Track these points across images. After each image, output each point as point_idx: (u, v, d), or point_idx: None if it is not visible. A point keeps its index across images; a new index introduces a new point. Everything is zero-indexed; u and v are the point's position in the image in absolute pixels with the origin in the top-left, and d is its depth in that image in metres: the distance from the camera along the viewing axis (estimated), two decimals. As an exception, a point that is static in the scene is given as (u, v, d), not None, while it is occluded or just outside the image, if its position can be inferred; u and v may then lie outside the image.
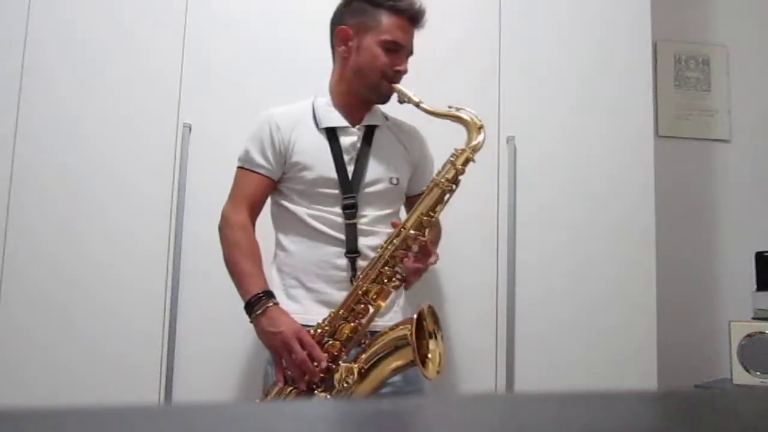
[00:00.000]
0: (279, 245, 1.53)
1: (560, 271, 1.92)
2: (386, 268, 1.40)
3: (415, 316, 1.36)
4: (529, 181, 1.92)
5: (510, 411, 0.40)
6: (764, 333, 1.95)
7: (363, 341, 1.42)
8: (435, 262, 1.46)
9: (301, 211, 1.50)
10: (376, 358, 1.38)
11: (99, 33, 1.84)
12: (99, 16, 1.85)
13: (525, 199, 1.91)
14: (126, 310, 1.76)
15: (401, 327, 1.39)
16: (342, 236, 1.48)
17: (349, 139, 1.53)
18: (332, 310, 1.41)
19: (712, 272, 2.48)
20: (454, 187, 1.44)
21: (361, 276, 1.42)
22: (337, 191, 1.49)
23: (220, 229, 1.50)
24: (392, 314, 1.51)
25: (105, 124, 1.82)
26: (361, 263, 1.46)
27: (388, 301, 1.45)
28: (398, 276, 1.42)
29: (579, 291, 1.92)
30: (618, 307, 1.92)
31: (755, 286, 2.12)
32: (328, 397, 1.37)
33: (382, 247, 1.42)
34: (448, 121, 1.49)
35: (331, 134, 1.52)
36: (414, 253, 1.43)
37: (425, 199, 1.44)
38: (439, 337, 1.41)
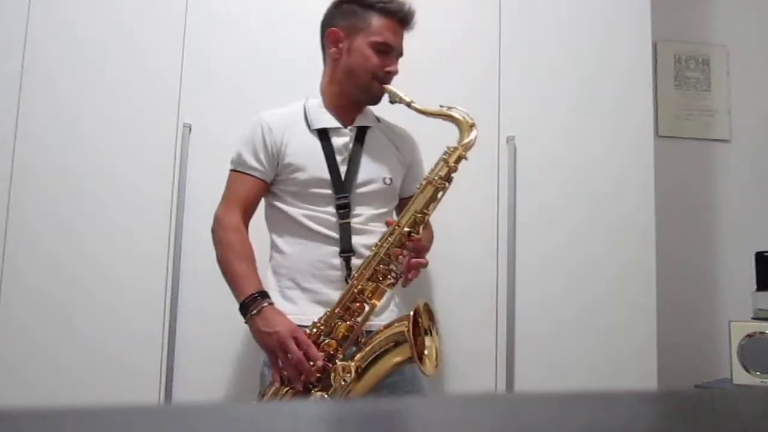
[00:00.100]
0: (274, 247, 1.54)
1: (560, 271, 1.92)
2: (381, 266, 1.41)
3: (411, 312, 1.37)
4: (529, 181, 1.92)
5: (510, 411, 0.40)
6: (764, 333, 1.95)
7: (360, 340, 1.42)
8: (425, 265, 1.46)
9: (295, 211, 1.50)
10: (373, 355, 1.38)
11: (99, 33, 1.84)
12: (99, 16, 1.85)
13: (525, 199, 1.91)
14: (126, 310, 1.76)
15: (397, 324, 1.39)
16: (336, 235, 1.49)
17: (341, 140, 1.54)
18: (328, 309, 1.42)
19: (712, 272, 2.48)
20: (447, 185, 1.45)
21: (356, 275, 1.42)
22: (330, 191, 1.50)
23: (213, 231, 1.51)
24: (388, 314, 1.51)
25: (105, 124, 1.82)
26: (356, 262, 1.46)
27: (383, 300, 1.46)
28: (393, 274, 1.42)
29: (579, 291, 1.92)
30: (618, 307, 1.92)
31: (755, 286, 2.12)
32: (326, 396, 1.37)
33: (376, 245, 1.43)
34: (440, 120, 1.50)
35: (323, 135, 1.53)
36: (408, 252, 1.43)
37: (419, 197, 1.45)
38: (434, 332, 1.42)
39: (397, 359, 1.38)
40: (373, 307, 1.41)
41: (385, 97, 1.53)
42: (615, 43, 2.02)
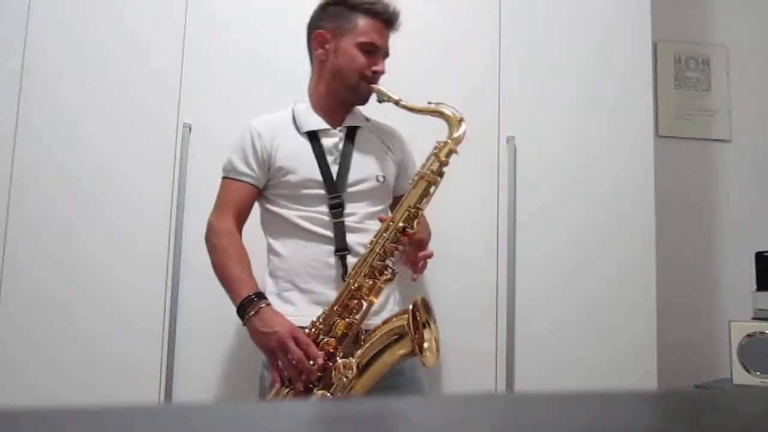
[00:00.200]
0: (271, 251, 1.54)
1: (560, 270, 1.92)
2: (377, 262, 1.41)
3: (410, 306, 1.38)
4: (529, 181, 1.92)
5: (510, 411, 0.40)
6: (764, 333, 1.95)
7: (360, 337, 1.42)
8: (431, 256, 1.47)
9: (289, 213, 1.51)
10: (374, 351, 1.39)
11: (99, 33, 1.84)
12: (99, 16, 1.85)
13: (525, 199, 1.91)
14: (126, 310, 1.76)
15: (396, 319, 1.40)
16: (331, 234, 1.49)
17: (331, 141, 1.55)
18: (326, 308, 1.42)
19: (712, 272, 2.48)
20: (439, 179, 1.46)
21: (352, 272, 1.42)
22: (322, 191, 1.50)
23: (207, 238, 1.52)
24: (386, 313, 1.51)
25: (105, 124, 1.82)
26: (353, 260, 1.47)
27: (382, 298, 1.46)
28: (390, 270, 1.43)
29: (579, 291, 1.92)
30: (618, 307, 1.92)
31: (755, 286, 2.12)
32: (328, 395, 1.37)
33: (371, 242, 1.43)
34: (429, 116, 1.51)
35: (313, 137, 1.54)
36: (405, 248, 1.43)
37: (411, 192, 1.46)
38: (432, 325, 1.43)
39: (398, 354, 1.39)
40: (371, 303, 1.41)
41: (373, 97, 1.55)
42: (615, 43, 2.02)
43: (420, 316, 1.41)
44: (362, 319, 1.41)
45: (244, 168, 1.52)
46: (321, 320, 1.41)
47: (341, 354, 1.39)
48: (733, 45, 2.57)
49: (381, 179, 1.57)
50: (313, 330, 1.40)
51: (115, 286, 1.76)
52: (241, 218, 1.52)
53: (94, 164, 1.80)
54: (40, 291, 1.74)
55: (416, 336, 1.37)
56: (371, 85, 1.53)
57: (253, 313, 1.39)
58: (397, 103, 1.51)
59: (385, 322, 1.42)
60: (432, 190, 1.46)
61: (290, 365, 1.36)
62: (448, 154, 1.47)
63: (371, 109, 1.62)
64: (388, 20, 1.56)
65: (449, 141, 1.47)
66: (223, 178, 1.55)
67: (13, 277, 1.74)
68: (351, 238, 1.49)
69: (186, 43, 1.85)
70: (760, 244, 2.20)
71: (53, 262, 1.76)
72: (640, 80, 2.02)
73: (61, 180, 1.78)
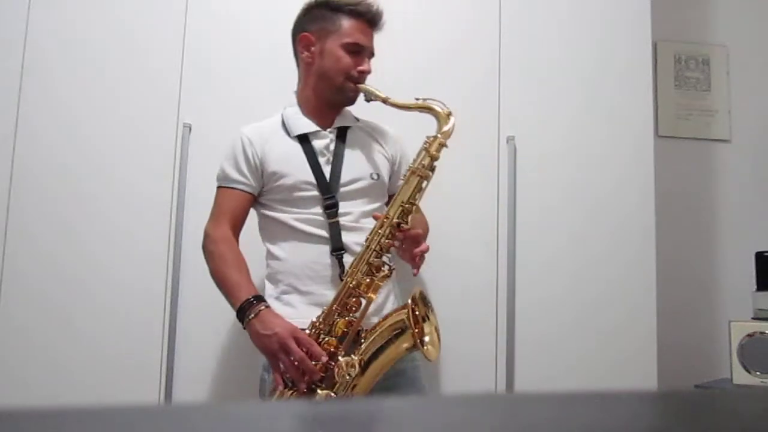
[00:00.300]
0: (270, 255, 1.54)
1: (560, 270, 1.92)
2: (374, 259, 1.41)
3: (409, 301, 1.38)
4: (529, 181, 1.92)
5: (510, 411, 0.40)
6: (764, 333, 1.95)
7: (360, 335, 1.42)
8: (427, 250, 1.47)
9: (285, 217, 1.51)
10: (376, 348, 1.39)
11: (99, 33, 1.84)
12: (99, 16, 1.85)
13: (525, 199, 1.91)
14: (126, 310, 1.76)
15: (395, 314, 1.41)
16: (327, 234, 1.50)
17: (322, 142, 1.55)
18: (325, 308, 1.42)
19: (712, 272, 2.48)
20: (430, 174, 1.47)
21: (349, 270, 1.43)
22: (316, 193, 1.51)
23: (204, 246, 1.52)
24: (386, 312, 1.51)
25: (105, 124, 1.82)
26: (350, 260, 1.47)
27: (380, 298, 1.47)
28: (387, 266, 1.43)
29: (579, 291, 1.92)
30: (618, 307, 1.92)
31: (755, 286, 2.12)
32: (332, 394, 1.37)
33: (367, 239, 1.44)
34: (417, 112, 1.51)
35: (304, 140, 1.55)
36: (400, 243, 1.44)
37: (404, 187, 1.46)
38: (431, 318, 1.43)
39: (399, 349, 1.39)
40: (369, 301, 1.41)
41: (362, 97, 1.55)
42: (615, 43, 2.02)
43: (419, 310, 1.41)
44: (362, 317, 1.41)
45: (236, 176, 1.53)
46: (321, 320, 1.41)
47: (342, 353, 1.39)
48: (733, 45, 2.57)
49: (375, 177, 1.58)
50: (313, 330, 1.40)
51: (115, 286, 1.76)
52: (237, 226, 1.53)
53: (94, 164, 1.80)
54: (40, 291, 1.74)
55: (417, 330, 1.38)
56: (358, 84, 1.54)
57: (252, 316, 1.39)
58: (384, 101, 1.51)
59: (384, 318, 1.42)
60: (424, 185, 1.46)
61: (292, 366, 1.36)
62: (439, 149, 1.47)
63: (362, 112, 1.63)
64: (371, 20, 1.57)
65: (439, 135, 1.48)
66: (218, 187, 1.56)
67: (13, 277, 1.74)
68: (348, 237, 1.50)
69: (186, 43, 1.85)
70: (760, 244, 2.20)
71: (53, 262, 1.76)
72: (640, 80, 2.02)
73: (61, 180, 1.78)
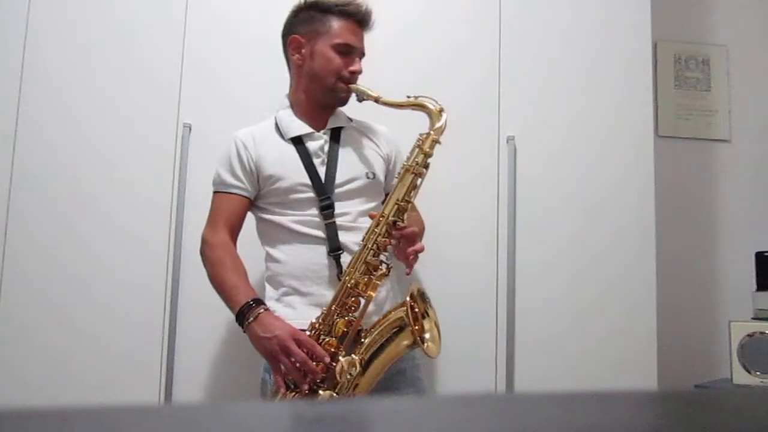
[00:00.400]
0: (269, 258, 1.54)
1: (560, 269, 1.92)
2: (371, 258, 1.41)
3: (407, 298, 1.38)
4: (530, 181, 1.92)
5: (510, 411, 0.40)
6: (764, 333, 1.95)
7: (360, 335, 1.42)
8: (422, 250, 1.47)
9: (282, 219, 1.51)
10: (376, 347, 1.39)
11: (99, 33, 1.84)
12: (99, 16, 1.85)
13: (525, 199, 1.91)
14: (126, 309, 1.76)
15: (394, 312, 1.41)
16: (325, 235, 1.50)
17: (316, 143, 1.55)
18: (324, 308, 1.42)
19: (712, 272, 2.48)
20: (424, 171, 1.47)
21: (347, 270, 1.43)
22: (312, 194, 1.51)
23: (202, 252, 1.52)
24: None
25: (105, 124, 1.82)
26: (348, 260, 1.47)
27: (380, 297, 1.47)
28: (384, 265, 1.43)
29: (579, 290, 1.92)
30: (618, 307, 1.92)
31: (755, 286, 2.12)
32: (334, 394, 1.37)
33: (364, 239, 1.44)
34: (409, 110, 1.51)
35: (298, 142, 1.55)
36: (397, 242, 1.44)
37: (398, 185, 1.46)
38: (430, 314, 1.43)
39: (400, 346, 1.39)
40: (368, 300, 1.41)
41: (353, 97, 1.56)
42: (615, 43, 2.02)
43: (418, 306, 1.41)
44: (361, 316, 1.41)
45: (232, 180, 1.53)
46: (320, 321, 1.41)
47: (343, 353, 1.39)
48: (733, 45, 2.57)
49: (371, 176, 1.58)
50: (313, 331, 1.40)
51: (115, 286, 1.76)
52: (234, 230, 1.53)
53: (94, 164, 1.80)
54: (40, 291, 1.74)
55: (416, 327, 1.38)
56: (349, 85, 1.54)
57: (252, 319, 1.39)
58: (377, 100, 1.52)
59: (384, 316, 1.42)
60: (419, 182, 1.47)
61: (293, 368, 1.36)
62: (432, 145, 1.48)
63: (355, 112, 1.63)
64: (361, 20, 1.57)
65: (431, 132, 1.48)
66: (214, 192, 1.56)
67: (13, 277, 1.74)
68: (346, 237, 1.50)
69: (186, 43, 1.85)
70: (760, 244, 2.20)
71: (53, 262, 1.76)
72: (640, 80, 2.02)
73: (61, 180, 1.78)
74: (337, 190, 1.52)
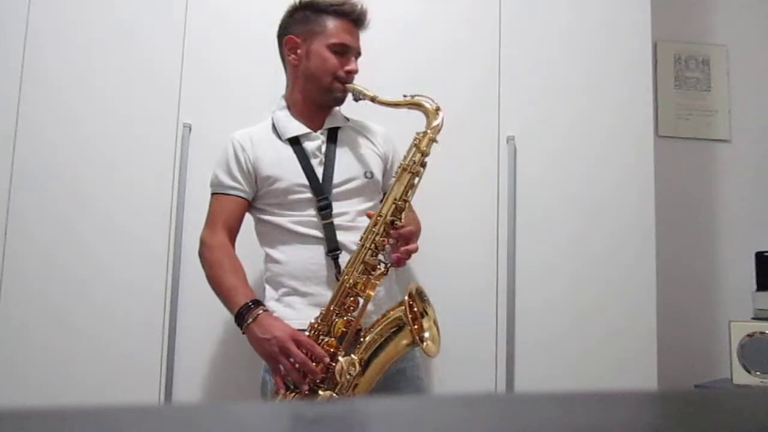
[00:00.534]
0: (268, 259, 1.54)
1: (560, 269, 1.92)
2: (369, 258, 1.41)
3: (406, 297, 1.38)
4: (529, 181, 1.92)
5: (510, 411, 0.40)
6: (764, 333, 1.95)
7: (360, 335, 1.42)
8: (415, 250, 1.47)
9: (281, 220, 1.51)
10: (375, 347, 1.39)
11: (99, 33, 1.84)
12: (99, 16, 1.85)
13: (525, 199, 1.91)
14: (126, 309, 1.76)
15: (393, 311, 1.41)
16: (323, 236, 1.50)
17: (313, 144, 1.55)
18: (323, 308, 1.42)
19: (712, 272, 2.48)
20: (421, 170, 1.47)
21: (345, 270, 1.43)
22: (310, 195, 1.51)
23: (200, 254, 1.52)
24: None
25: (105, 124, 1.82)
26: (346, 260, 1.46)
27: (379, 297, 1.47)
28: (383, 264, 1.43)
29: (579, 291, 1.92)
30: (618, 307, 1.92)
31: (755, 286, 2.12)
32: (334, 395, 1.37)
33: (362, 238, 1.43)
34: (406, 109, 1.51)
35: (295, 143, 1.55)
36: (395, 241, 1.44)
37: (396, 185, 1.46)
38: (429, 313, 1.43)
39: (399, 346, 1.39)
40: (367, 299, 1.41)
41: (350, 97, 1.55)
42: (615, 43, 2.02)
43: (416, 305, 1.41)
44: (360, 316, 1.41)
45: (229, 182, 1.53)
46: (319, 321, 1.41)
47: (342, 353, 1.39)
48: (733, 45, 2.57)
49: (369, 175, 1.57)
50: (312, 332, 1.40)
51: (115, 286, 1.76)
52: (232, 231, 1.53)
53: (94, 164, 1.80)
54: (40, 291, 1.74)
55: (415, 326, 1.38)
56: (345, 84, 1.54)
57: (251, 320, 1.39)
58: (373, 99, 1.52)
59: (383, 315, 1.42)
60: (416, 181, 1.46)
61: (293, 369, 1.36)
62: (429, 144, 1.47)
63: (351, 112, 1.63)
64: (356, 20, 1.57)
65: (428, 131, 1.48)
66: (212, 194, 1.56)
67: (13, 277, 1.74)
68: (344, 237, 1.50)
69: (186, 43, 1.85)
70: (760, 244, 2.20)
71: (53, 262, 1.76)
72: (640, 80, 2.02)
73: (61, 180, 1.78)
74: (334, 190, 1.52)
